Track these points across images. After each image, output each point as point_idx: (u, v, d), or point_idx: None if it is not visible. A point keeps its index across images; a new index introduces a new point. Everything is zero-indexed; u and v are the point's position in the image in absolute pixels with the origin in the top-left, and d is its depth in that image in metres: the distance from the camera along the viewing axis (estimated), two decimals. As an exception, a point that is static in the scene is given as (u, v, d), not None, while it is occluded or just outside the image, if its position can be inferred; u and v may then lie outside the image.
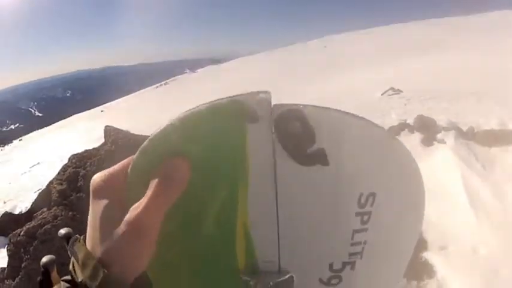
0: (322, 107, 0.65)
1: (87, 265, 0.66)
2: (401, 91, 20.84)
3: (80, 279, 0.65)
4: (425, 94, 17.80)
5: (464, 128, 10.30)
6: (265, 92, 0.63)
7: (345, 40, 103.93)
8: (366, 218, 0.73)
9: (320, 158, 0.65)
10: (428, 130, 10.50)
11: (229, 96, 0.64)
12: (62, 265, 0.82)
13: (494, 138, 9.18)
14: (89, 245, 0.70)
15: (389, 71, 35.10)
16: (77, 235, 0.75)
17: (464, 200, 7.10)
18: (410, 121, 11.60)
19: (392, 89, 21.51)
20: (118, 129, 9.28)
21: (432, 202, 7.29)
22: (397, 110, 15.55)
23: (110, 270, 0.64)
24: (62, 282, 0.70)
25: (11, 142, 60.43)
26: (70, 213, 7.03)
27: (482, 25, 69.32)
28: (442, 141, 9.67)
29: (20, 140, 60.88)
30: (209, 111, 0.65)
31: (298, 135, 0.63)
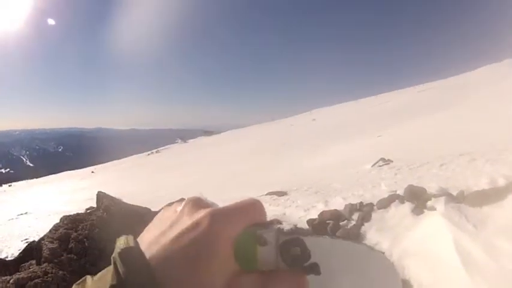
0: (318, 236, 0.78)
1: (138, 276, 0.59)
2: (391, 161, 20.96)
3: None
4: (415, 162, 17.89)
5: (455, 193, 10.19)
6: (273, 223, 0.73)
7: (333, 112, 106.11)
8: None
9: (313, 270, 0.71)
10: (418, 199, 10.41)
11: (249, 228, 0.72)
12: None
13: (485, 197, 9.05)
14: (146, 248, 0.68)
15: (379, 140, 35.56)
16: (131, 240, 0.70)
17: (457, 264, 6.87)
18: (400, 192, 11.55)
19: (382, 159, 21.65)
20: (110, 196, 9.51)
21: (425, 269, 7.14)
22: (388, 181, 15.45)
23: None
24: None
25: (1, 186, 61.80)
26: (61, 272, 7.02)
27: (466, 84, 70.99)
28: (432, 208, 9.51)
29: (9, 186, 62.37)
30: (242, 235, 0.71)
31: (298, 256, 0.71)
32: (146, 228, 0.79)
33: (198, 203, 0.77)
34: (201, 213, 0.71)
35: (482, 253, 6.90)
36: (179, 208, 0.77)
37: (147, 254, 0.65)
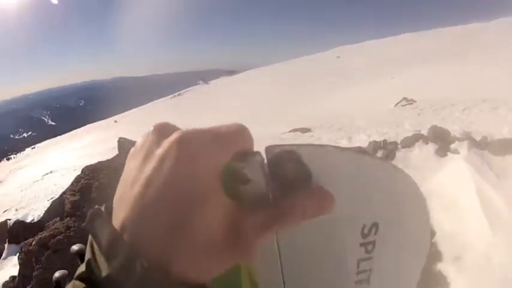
0: (318, 145, 0.61)
1: (114, 254, 0.48)
2: (414, 101, 20.81)
3: (104, 273, 0.48)
4: (438, 104, 17.78)
5: (478, 138, 10.26)
6: (256, 154, 0.56)
7: (357, 51, 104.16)
8: (370, 247, 0.73)
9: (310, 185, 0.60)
10: (442, 141, 10.49)
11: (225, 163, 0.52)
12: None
13: (508, 146, 9.13)
14: (117, 221, 0.53)
15: (402, 80, 35.10)
16: (98, 206, 0.58)
17: (478, 210, 7.05)
18: (424, 132, 11.56)
19: (405, 99, 21.51)
20: (132, 141, 9.17)
21: (446, 213, 7.35)
22: (411, 121, 15.52)
23: (151, 263, 0.46)
24: (77, 282, 0.51)
25: (24, 150, 61.13)
26: (83, 224, 7.01)
27: (481, 35, 69.26)
28: (456, 152, 9.67)
29: (32, 148, 61.45)
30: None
31: (294, 176, 0.58)
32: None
33: (163, 131, 0.57)
34: (167, 142, 0.52)
35: (503, 203, 7.09)
36: (141, 142, 0.60)
37: (116, 224, 0.53)
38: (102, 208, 0.58)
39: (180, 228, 0.48)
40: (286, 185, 0.56)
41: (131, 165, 0.57)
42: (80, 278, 0.51)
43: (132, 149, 0.60)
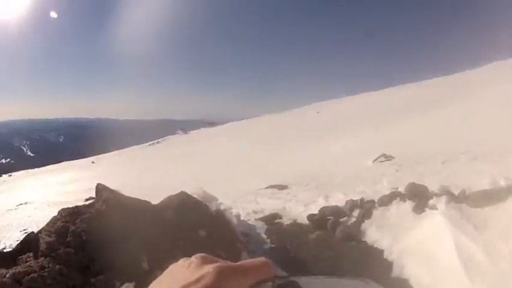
0: (312, 277, 0.81)
1: None
2: (393, 157, 20.92)
3: None
4: (417, 158, 17.91)
5: (456, 192, 10.17)
6: (267, 283, 0.75)
7: (337, 106, 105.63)
8: None
9: None
10: (420, 197, 10.39)
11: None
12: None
13: (486, 198, 9.01)
14: None
15: (382, 135, 35.48)
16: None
17: (457, 263, 6.88)
18: (402, 189, 11.47)
19: (384, 155, 21.60)
20: (109, 188, 9.29)
21: (423, 268, 7.15)
22: (389, 177, 15.50)
23: None
24: None
25: (1, 176, 61.73)
26: (57, 266, 6.92)
27: (473, 81, 70.76)
28: (434, 207, 9.57)
29: (9, 176, 62.22)
30: None
31: None
32: (154, 281, 0.78)
33: (205, 259, 0.77)
34: (207, 268, 0.72)
35: (482, 255, 6.88)
36: (186, 263, 0.77)
37: None
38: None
39: None
40: None
41: (176, 276, 0.75)
42: None
43: (175, 265, 0.79)
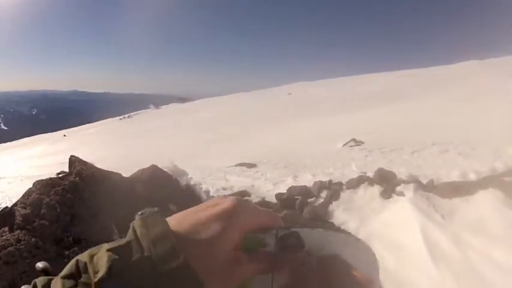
0: (313, 228, 0.85)
1: (161, 243, 0.61)
2: (362, 142, 21.03)
3: (145, 253, 0.60)
4: (387, 146, 17.99)
5: (425, 181, 10.26)
6: (274, 229, 0.80)
7: (310, 88, 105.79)
8: None
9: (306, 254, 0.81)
10: (387, 183, 10.45)
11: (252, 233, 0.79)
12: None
13: (454, 189, 9.12)
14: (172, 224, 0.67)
15: (352, 121, 35.66)
16: (156, 208, 0.71)
17: (423, 251, 6.95)
18: (370, 174, 11.56)
19: (354, 140, 21.72)
20: (83, 160, 9.33)
21: (389, 252, 7.18)
22: (358, 162, 15.63)
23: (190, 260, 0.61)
24: (63, 280, 0.62)
25: None
26: (33, 239, 6.93)
27: (446, 76, 71.56)
28: (401, 194, 9.62)
29: None
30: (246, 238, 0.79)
31: (294, 245, 0.80)
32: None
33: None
34: (229, 199, 0.76)
35: (449, 244, 6.98)
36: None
37: (169, 223, 0.67)
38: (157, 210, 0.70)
39: (212, 245, 0.68)
40: (289, 250, 0.79)
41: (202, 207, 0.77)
42: (111, 249, 0.62)
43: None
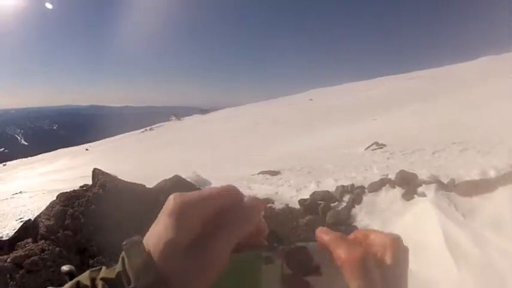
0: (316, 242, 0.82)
1: (144, 275, 0.65)
2: (384, 145, 20.91)
3: (132, 286, 0.65)
4: (408, 148, 17.89)
5: (446, 181, 10.26)
6: (280, 246, 0.79)
7: (330, 94, 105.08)
8: None
9: (316, 271, 0.79)
10: (409, 185, 10.47)
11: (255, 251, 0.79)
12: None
13: (475, 187, 9.15)
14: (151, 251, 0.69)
15: (373, 124, 35.38)
16: (139, 237, 0.74)
17: (445, 251, 6.98)
18: (392, 176, 11.49)
19: (376, 143, 21.59)
20: (106, 173, 9.50)
21: (412, 254, 7.20)
22: (380, 165, 15.57)
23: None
24: (101, 282, 0.70)
25: None
26: (57, 249, 7.05)
27: (459, 77, 70.52)
28: (423, 195, 9.63)
29: (4, 165, 62.13)
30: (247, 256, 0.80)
31: (302, 260, 0.79)
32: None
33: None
34: (167, 201, 0.74)
35: (469, 243, 7.00)
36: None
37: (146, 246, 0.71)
38: (138, 238, 0.73)
39: (165, 257, 0.68)
40: (296, 265, 0.78)
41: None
42: (104, 279, 0.69)
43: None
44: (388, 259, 0.74)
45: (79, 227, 7.64)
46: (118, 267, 0.69)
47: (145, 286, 0.64)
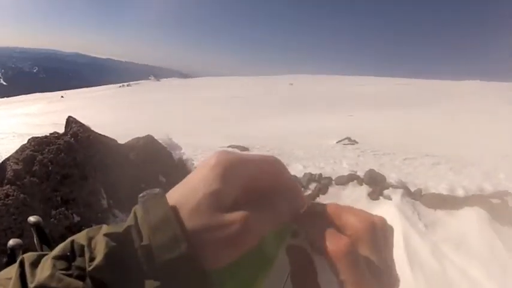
0: None
1: (162, 230, 0.53)
2: (356, 142, 21.06)
3: (144, 242, 0.53)
4: (380, 149, 18.03)
5: (413, 189, 10.38)
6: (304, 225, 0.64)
7: (312, 81, 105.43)
8: None
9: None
10: (376, 185, 10.58)
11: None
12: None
13: (441, 202, 9.24)
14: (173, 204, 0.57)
15: (349, 120, 35.60)
16: (157, 189, 0.60)
17: (403, 257, 7.01)
18: (360, 173, 11.60)
19: (348, 138, 21.73)
20: (80, 122, 9.27)
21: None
22: (350, 161, 15.70)
23: (194, 249, 0.53)
24: (54, 260, 0.55)
25: None
26: (22, 195, 6.82)
27: (444, 91, 71.38)
28: (389, 198, 9.77)
29: None
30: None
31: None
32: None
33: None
34: (214, 154, 0.62)
35: (428, 255, 7.08)
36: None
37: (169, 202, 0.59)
38: (161, 191, 0.60)
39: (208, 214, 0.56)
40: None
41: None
42: (109, 235, 0.55)
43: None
44: (365, 248, 0.59)
45: (46, 175, 7.47)
46: (129, 221, 0.57)
47: (163, 243, 0.52)
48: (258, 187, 0.61)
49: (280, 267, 0.65)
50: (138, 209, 0.57)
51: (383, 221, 0.61)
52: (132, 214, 0.57)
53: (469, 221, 8.21)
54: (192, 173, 0.62)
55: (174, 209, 0.56)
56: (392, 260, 0.61)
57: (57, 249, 0.57)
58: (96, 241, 0.55)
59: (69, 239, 0.58)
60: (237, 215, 0.56)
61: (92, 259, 0.53)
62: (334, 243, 0.58)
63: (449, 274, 6.65)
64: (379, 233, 0.60)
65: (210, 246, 0.55)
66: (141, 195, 0.59)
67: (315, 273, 0.63)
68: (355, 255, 0.57)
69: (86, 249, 0.55)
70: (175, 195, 0.58)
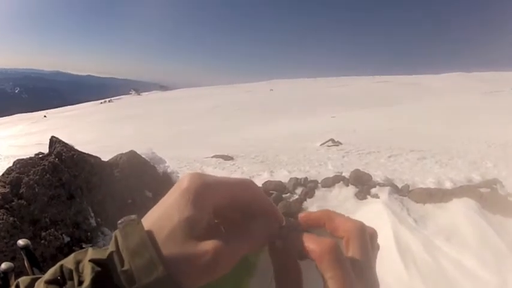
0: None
1: (139, 255, 0.57)
2: (340, 143, 21.07)
3: (125, 267, 0.56)
4: (365, 149, 18.08)
5: (400, 185, 10.39)
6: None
7: (291, 86, 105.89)
8: None
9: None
10: (363, 185, 10.59)
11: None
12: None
13: (429, 196, 9.23)
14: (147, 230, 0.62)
15: (331, 121, 35.73)
16: (133, 216, 0.64)
17: (395, 253, 7.01)
18: (346, 174, 11.60)
19: (332, 140, 21.75)
20: (63, 142, 9.21)
21: None
22: (335, 162, 15.73)
23: (170, 271, 0.57)
24: (46, 285, 0.59)
25: None
26: (11, 218, 6.80)
27: (432, 86, 71.94)
28: (376, 196, 9.77)
29: None
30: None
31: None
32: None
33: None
34: (185, 176, 0.66)
35: (420, 249, 7.05)
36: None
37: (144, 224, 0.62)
38: (136, 217, 0.64)
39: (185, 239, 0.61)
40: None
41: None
42: (94, 260, 0.59)
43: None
44: (354, 248, 0.65)
45: (33, 197, 7.40)
46: (111, 247, 0.60)
47: (141, 267, 0.56)
48: (235, 207, 0.67)
49: (265, 268, 0.70)
50: (118, 234, 0.60)
51: (372, 228, 0.69)
52: (113, 239, 0.60)
53: (458, 213, 8.21)
54: (166, 195, 0.65)
55: (150, 234, 0.59)
56: (375, 264, 0.65)
57: (48, 274, 0.60)
58: (83, 265, 0.59)
59: (58, 264, 0.61)
60: (209, 245, 0.60)
61: (80, 283, 0.57)
62: (317, 244, 0.61)
63: (443, 266, 6.62)
64: (367, 236, 0.66)
65: (185, 272, 0.58)
66: (119, 221, 0.62)
67: (298, 273, 0.66)
68: (339, 254, 0.60)
69: (74, 273, 0.58)
70: (151, 220, 0.62)
